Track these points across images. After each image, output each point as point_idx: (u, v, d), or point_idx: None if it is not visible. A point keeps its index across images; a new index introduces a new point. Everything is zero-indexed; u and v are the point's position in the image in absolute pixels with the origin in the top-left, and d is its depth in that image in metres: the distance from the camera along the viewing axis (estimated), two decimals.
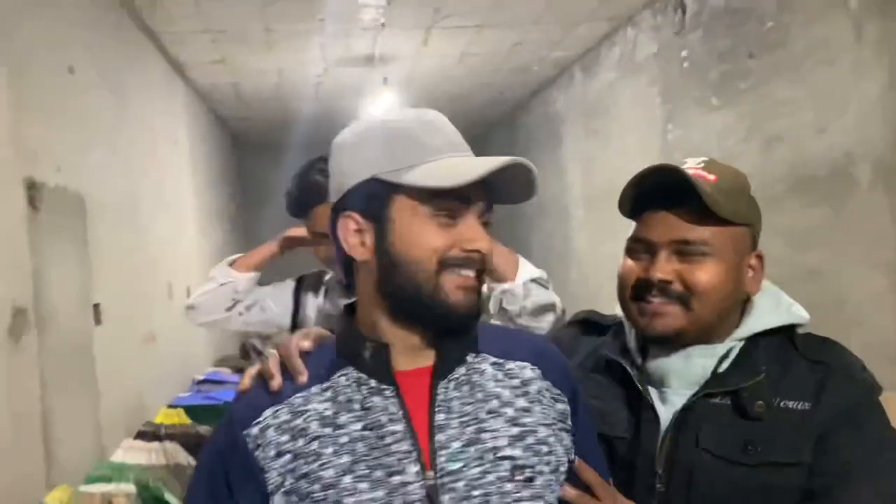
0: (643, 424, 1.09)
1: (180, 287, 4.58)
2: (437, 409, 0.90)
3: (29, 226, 2.44)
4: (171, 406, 3.72)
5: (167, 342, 4.18)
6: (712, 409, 1.06)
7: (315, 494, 0.87)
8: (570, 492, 0.96)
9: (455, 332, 0.92)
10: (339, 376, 0.92)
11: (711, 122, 3.65)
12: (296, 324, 1.90)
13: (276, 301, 1.93)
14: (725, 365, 1.08)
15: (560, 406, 0.97)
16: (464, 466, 0.88)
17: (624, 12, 4.44)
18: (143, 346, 3.80)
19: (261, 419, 0.91)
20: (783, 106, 3.08)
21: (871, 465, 1.00)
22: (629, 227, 1.14)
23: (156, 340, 3.97)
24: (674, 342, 1.09)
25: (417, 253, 0.88)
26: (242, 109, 6.62)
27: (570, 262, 5.85)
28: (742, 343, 1.09)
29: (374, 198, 0.89)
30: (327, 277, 1.94)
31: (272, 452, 0.89)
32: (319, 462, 0.88)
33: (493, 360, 0.96)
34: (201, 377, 4.69)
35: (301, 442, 0.89)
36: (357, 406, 0.90)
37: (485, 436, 0.90)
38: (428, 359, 0.92)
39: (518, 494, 0.89)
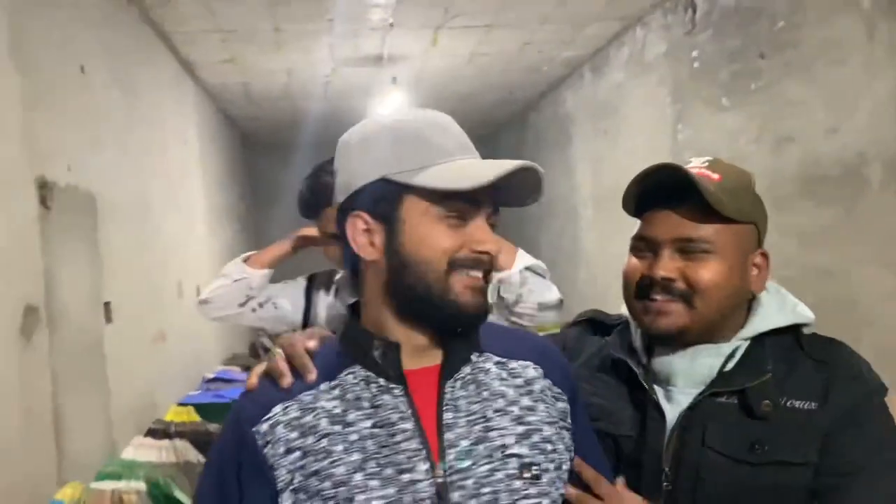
0: (649, 423, 1.09)
1: (190, 286, 4.60)
2: (444, 408, 0.91)
3: (40, 225, 2.46)
4: (181, 404, 3.74)
5: (177, 340, 4.20)
6: (718, 408, 1.06)
7: (326, 492, 0.87)
8: (573, 491, 0.97)
9: (463, 331, 0.93)
10: (346, 374, 0.93)
11: (722, 123, 3.63)
12: (307, 321, 1.92)
13: (289, 298, 1.95)
14: (731, 364, 1.08)
15: (561, 405, 0.99)
16: (472, 464, 0.89)
17: (634, 12, 4.43)
18: (154, 345, 3.82)
19: (270, 415, 0.91)
20: (794, 106, 3.07)
21: (876, 465, 1.01)
22: (638, 227, 1.14)
23: (166, 339, 3.99)
24: (678, 340, 1.09)
25: (428, 253, 0.88)
26: (252, 109, 6.64)
27: (579, 262, 5.84)
28: (748, 342, 1.10)
29: (384, 198, 0.90)
30: (338, 276, 1.95)
31: (281, 449, 0.90)
32: (330, 459, 0.88)
33: (497, 359, 0.97)
34: (211, 375, 4.71)
35: (311, 439, 0.89)
36: (366, 404, 0.91)
37: (492, 434, 0.91)
38: (434, 358, 0.93)
39: (526, 492, 0.90)
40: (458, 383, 0.93)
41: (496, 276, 1.59)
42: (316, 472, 0.88)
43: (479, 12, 4.26)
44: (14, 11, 2.35)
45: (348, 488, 0.87)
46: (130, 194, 3.56)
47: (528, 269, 1.71)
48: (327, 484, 0.87)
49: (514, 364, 0.98)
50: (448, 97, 6.34)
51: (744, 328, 1.10)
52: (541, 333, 1.25)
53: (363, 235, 0.92)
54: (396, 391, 0.91)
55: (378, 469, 0.87)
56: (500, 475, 0.89)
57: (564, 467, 0.96)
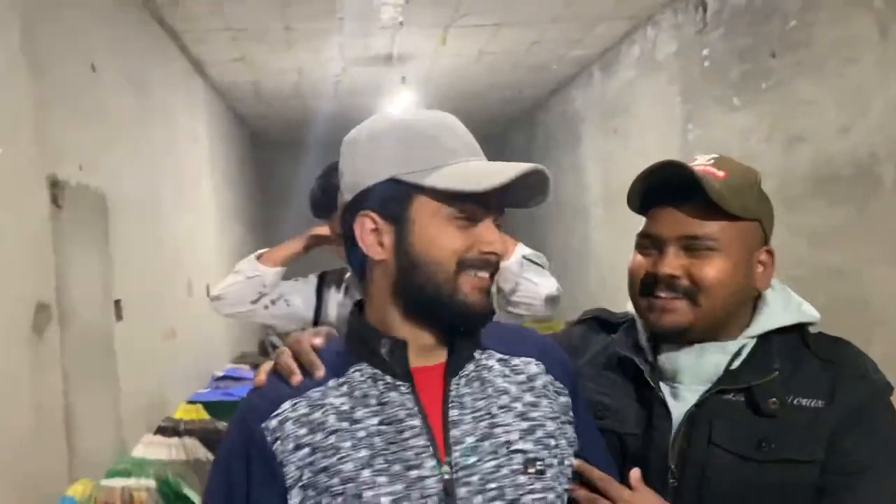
0: (655, 421, 1.09)
1: (200, 284, 4.62)
2: (450, 405, 0.92)
3: (52, 223, 2.47)
4: (190, 402, 3.75)
5: (187, 339, 4.22)
6: (725, 405, 1.06)
7: (334, 488, 0.88)
8: (581, 492, 0.97)
9: (470, 330, 0.95)
10: (353, 372, 0.94)
11: (732, 122, 3.62)
12: (318, 319, 1.94)
13: (301, 296, 1.97)
14: (738, 362, 1.08)
15: (563, 399, 1.00)
16: (478, 460, 0.90)
17: (644, 11, 4.42)
18: (164, 343, 3.84)
19: (279, 412, 0.92)
20: (806, 105, 3.05)
21: (882, 464, 1.01)
22: (643, 224, 1.15)
23: (176, 337, 4.01)
24: (683, 337, 1.09)
25: (438, 254, 0.89)
26: (262, 108, 6.66)
27: (589, 262, 5.83)
28: (754, 340, 1.10)
29: (394, 198, 0.90)
30: (348, 275, 1.96)
31: (291, 445, 0.90)
32: (339, 456, 0.89)
33: (499, 356, 0.98)
34: (220, 374, 4.73)
35: (319, 436, 0.90)
36: (373, 401, 0.91)
37: (497, 430, 0.92)
38: (439, 356, 0.94)
39: (531, 486, 0.91)
40: (463, 381, 0.94)
41: None
42: (325, 469, 0.88)
43: (488, 11, 4.26)
44: (26, 11, 2.37)
45: (356, 484, 0.87)
46: (141, 193, 3.57)
47: (525, 258, 1.72)
48: (336, 480, 0.88)
49: (516, 361, 0.99)
50: (457, 96, 6.34)
51: (750, 326, 1.10)
52: (544, 332, 1.25)
53: (371, 235, 0.92)
54: (403, 388, 0.92)
55: (386, 465, 0.88)
56: (505, 471, 0.90)
57: (567, 462, 0.97)
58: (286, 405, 0.92)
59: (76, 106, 2.79)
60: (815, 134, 3.01)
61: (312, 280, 2.01)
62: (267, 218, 8.14)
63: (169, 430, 3.17)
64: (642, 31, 4.67)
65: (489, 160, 0.94)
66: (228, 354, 5.65)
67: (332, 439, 0.89)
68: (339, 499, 0.87)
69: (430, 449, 0.89)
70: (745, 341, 1.09)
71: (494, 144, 8.63)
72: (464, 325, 0.93)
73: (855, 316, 2.54)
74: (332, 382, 0.93)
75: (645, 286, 1.10)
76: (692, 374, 1.09)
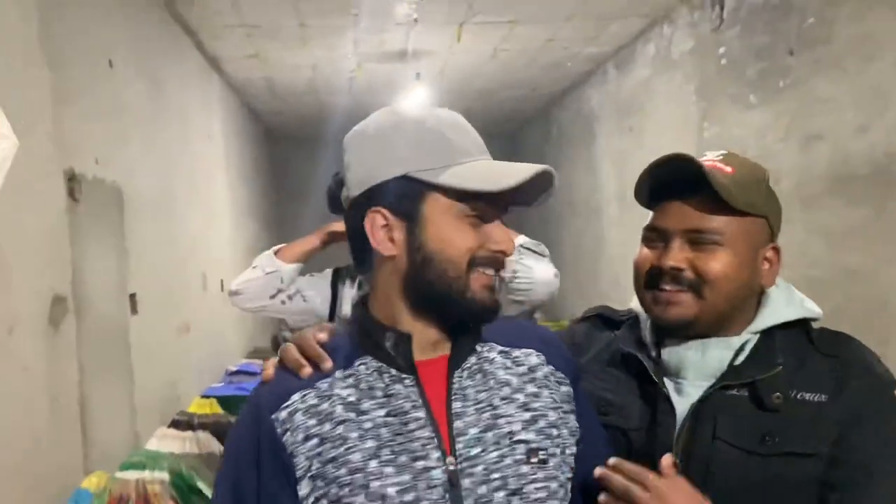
0: (659, 416, 1.10)
1: (214, 279, 4.64)
2: (453, 397, 0.93)
3: (69, 217, 2.50)
4: (204, 396, 3.77)
5: (201, 333, 4.24)
6: (729, 400, 1.07)
7: (342, 478, 0.89)
8: (617, 480, 0.94)
9: (477, 326, 0.97)
10: (359, 365, 0.95)
11: (749, 120, 3.59)
12: (333, 314, 1.96)
13: (317, 291, 2.00)
14: (742, 357, 1.08)
15: (564, 389, 1.01)
16: (482, 451, 0.91)
17: (660, 8, 4.39)
18: (178, 337, 3.86)
19: (289, 403, 0.93)
20: (823, 104, 3.03)
21: (889, 458, 1.01)
22: (650, 218, 1.15)
23: (190, 331, 4.03)
24: (687, 331, 1.09)
25: (451, 251, 0.91)
26: (276, 104, 6.68)
27: (602, 261, 5.81)
28: (758, 336, 1.10)
29: (407, 195, 0.91)
30: None
31: (300, 436, 0.91)
32: (346, 446, 0.90)
33: (501, 348, 1.00)
34: (234, 368, 4.75)
35: (328, 426, 0.91)
36: (379, 393, 0.93)
37: (500, 421, 0.94)
38: (443, 350, 0.96)
39: (534, 476, 0.92)
40: (465, 373, 0.96)
41: None
42: (333, 459, 0.89)
43: (503, 8, 4.25)
44: (44, 6, 2.39)
45: (364, 475, 0.88)
46: (156, 187, 3.60)
47: (523, 247, 1.77)
48: (343, 471, 0.89)
49: (517, 353, 1.00)
50: (471, 93, 6.34)
51: (753, 322, 1.11)
52: (550, 331, 1.25)
53: (382, 231, 0.93)
54: (408, 381, 0.93)
55: (393, 456, 0.89)
56: (508, 461, 0.91)
57: (569, 451, 0.98)
58: (296, 396, 0.93)
59: (93, 101, 2.81)
60: (832, 133, 2.98)
61: (327, 275, 2.03)
62: (281, 214, 8.18)
63: (183, 423, 3.19)
64: (658, 29, 4.65)
65: (503, 158, 0.95)
66: (242, 349, 5.68)
67: (340, 430, 0.90)
68: (347, 489, 0.88)
69: (435, 440, 0.91)
70: (748, 337, 1.10)
71: (508, 142, 8.62)
72: (472, 321, 0.96)
73: (872, 316, 2.52)
74: (339, 374, 0.95)
75: (650, 279, 1.11)
76: (696, 369, 1.10)
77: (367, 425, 0.91)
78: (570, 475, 0.98)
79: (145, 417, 3.15)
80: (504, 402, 0.95)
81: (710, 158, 1.10)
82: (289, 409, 0.92)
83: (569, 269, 6.08)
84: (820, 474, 1.01)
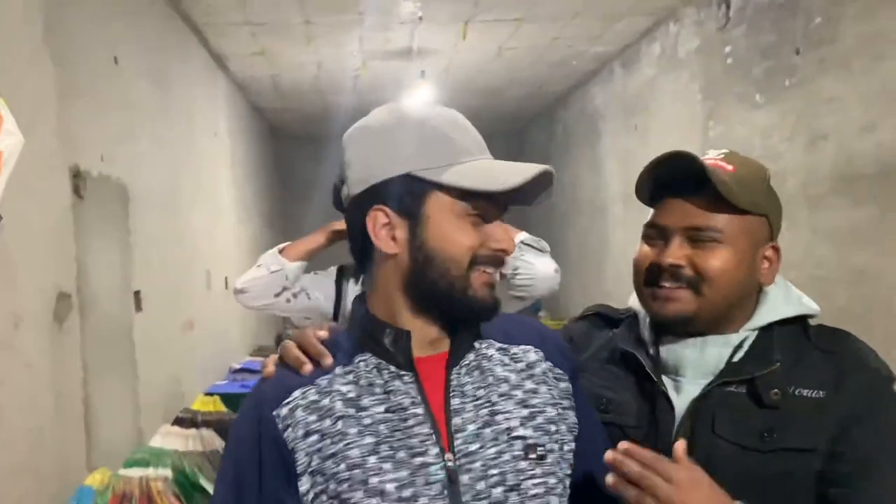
0: (658, 414, 1.10)
1: (218, 276, 4.65)
2: (452, 394, 0.94)
3: (74, 213, 2.50)
4: (207, 393, 3.79)
5: (205, 330, 4.25)
6: (728, 397, 1.07)
7: (341, 474, 0.89)
8: (633, 467, 0.91)
9: (477, 324, 0.98)
10: (358, 361, 0.95)
11: (755, 120, 3.58)
12: (338, 311, 1.96)
13: (322, 289, 2.01)
14: (740, 354, 1.09)
15: (563, 385, 1.02)
16: (480, 447, 0.92)
17: (665, 7, 4.38)
18: (182, 334, 3.87)
19: (290, 399, 0.93)
20: (830, 103, 3.01)
21: (890, 453, 1.01)
22: (650, 215, 1.15)
23: (193, 329, 4.04)
24: (686, 328, 1.10)
25: (453, 250, 0.91)
26: (281, 101, 6.68)
27: (607, 260, 5.80)
28: (756, 333, 1.10)
29: (410, 194, 0.92)
30: None
31: (301, 432, 0.91)
32: (345, 442, 0.90)
33: (499, 345, 1.00)
34: (237, 366, 4.77)
35: (328, 422, 0.91)
36: (379, 390, 0.93)
37: (498, 418, 0.94)
38: (441, 346, 0.96)
39: (532, 472, 0.92)
40: (464, 370, 0.96)
41: None
42: (332, 455, 0.90)
43: (509, 6, 4.25)
44: (49, 3, 2.39)
45: (363, 470, 0.89)
46: (161, 185, 3.60)
47: (523, 243, 1.78)
48: (342, 466, 0.89)
49: (515, 349, 1.01)
50: (476, 91, 6.33)
51: (752, 319, 1.11)
52: (548, 327, 1.26)
53: (384, 229, 0.93)
54: (407, 378, 0.94)
55: (391, 452, 0.90)
56: (506, 457, 0.92)
57: (567, 447, 0.99)
58: (296, 393, 0.94)
59: (98, 98, 2.82)
60: (838, 132, 2.97)
61: (332, 273, 2.04)
62: (285, 212, 8.18)
63: (186, 421, 3.19)
64: (664, 28, 4.63)
65: (508, 157, 0.95)
66: (245, 347, 5.69)
67: (340, 425, 0.91)
68: (346, 485, 0.88)
69: (434, 437, 0.91)
70: (746, 334, 1.10)
71: (513, 140, 8.61)
72: (473, 319, 0.96)
73: (877, 316, 2.51)
74: (339, 370, 0.95)
75: (649, 276, 1.11)
76: (695, 366, 1.10)
77: (367, 421, 0.91)
78: (568, 471, 0.98)
79: (149, 414, 3.16)
80: (502, 398, 0.95)
81: (711, 157, 1.11)
82: (289, 406, 0.93)
83: (573, 268, 6.08)
84: (818, 469, 1.01)
